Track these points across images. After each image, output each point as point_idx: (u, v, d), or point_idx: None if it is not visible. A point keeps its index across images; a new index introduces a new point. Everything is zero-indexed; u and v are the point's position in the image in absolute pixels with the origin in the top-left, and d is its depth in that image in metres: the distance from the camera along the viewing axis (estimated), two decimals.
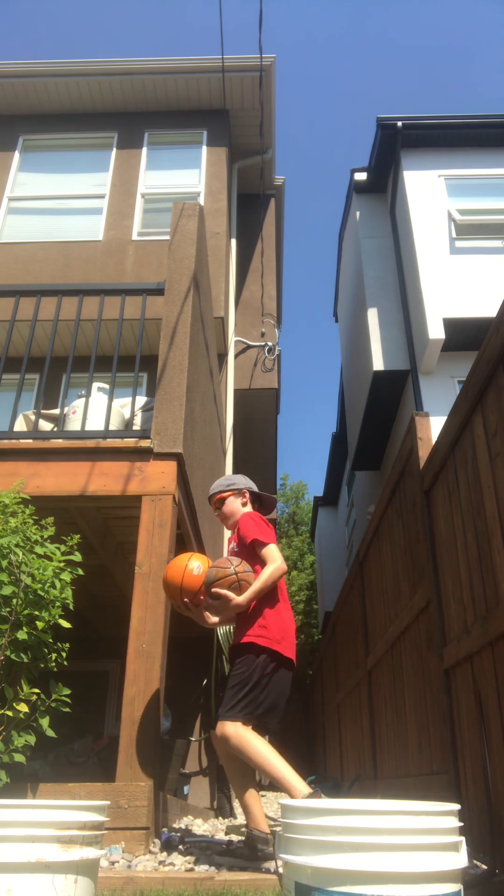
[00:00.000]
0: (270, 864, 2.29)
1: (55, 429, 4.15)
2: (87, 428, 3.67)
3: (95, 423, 3.83)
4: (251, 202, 8.15)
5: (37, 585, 2.46)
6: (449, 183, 8.12)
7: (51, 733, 2.44)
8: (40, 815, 1.29)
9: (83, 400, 3.96)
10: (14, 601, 2.35)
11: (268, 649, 2.55)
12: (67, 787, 2.57)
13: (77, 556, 2.68)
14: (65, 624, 2.55)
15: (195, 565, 2.62)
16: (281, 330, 9.43)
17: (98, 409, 3.96)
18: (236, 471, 8.05)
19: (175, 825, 3.23)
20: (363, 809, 1.22)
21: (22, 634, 2.38)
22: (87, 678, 4.93)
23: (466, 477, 2.91)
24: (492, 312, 5.87)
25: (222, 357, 6.84)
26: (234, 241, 7.53)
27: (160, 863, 2.28)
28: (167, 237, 5.22)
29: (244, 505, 2.99)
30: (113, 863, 2.24)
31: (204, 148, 7.40)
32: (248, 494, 3.04)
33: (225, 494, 2.99)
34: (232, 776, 2.54)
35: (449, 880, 1.19)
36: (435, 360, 7.22)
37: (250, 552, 2.73)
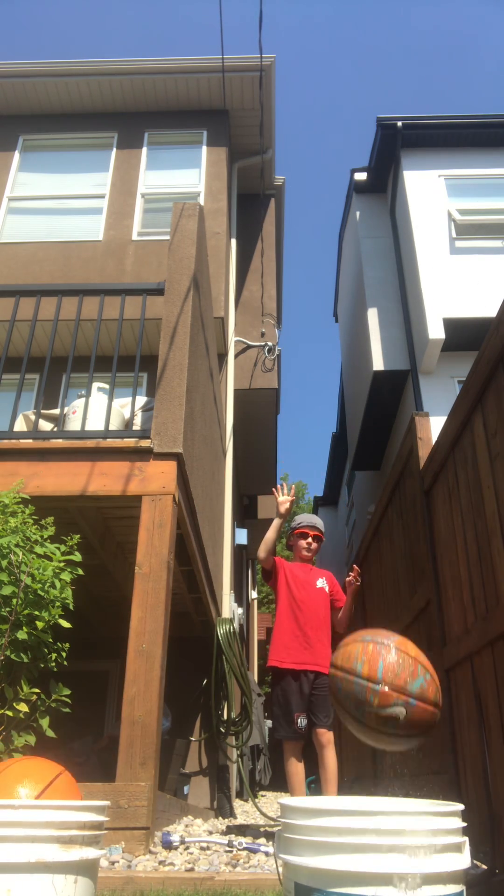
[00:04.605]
0: None
1: (55, 429, 4.15)
2: (87, 428, 3.67)
3: (95, 423, 3.82)
4: (251, 202, 8.14)
5: (37, 585, 2.45)
6: (449, 183, 8.11)
7: (51, 733, 2.44)
8: (40, 815, 1.29)
9: (83, 400, 3.95)
10: (14, 601, 2.35)
11: None
12: None
13: (77, 556, 2.68)
14: (65, 624, 2.54)
15: None
16: (281, 330, 9.43)
17: (98, 409, 3.96)
18: (236, 471, 8.05)
19: (175, 825, 3.23)
20: (363, 810, 1.21)
21: (22, 634, 2.38)
22: (87, 678, 4.91)
23: (466, 477, 2.91)
24: (492, 312, 5.86)
25: (222, 357, 6.84)
26: (234, 241, 7.52)
27: (160, 863, 2.28)
28: (167, 237, 5.21)
29: None
30: (113, 863, 2.24)
31: (204, 148, 7.39)
32: None
33: (323, 538, 3.69)
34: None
35: (452, 881, 1.19)
36: (435, 360, 7.22)
37: (331, 602, 3.53)
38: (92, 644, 5.32)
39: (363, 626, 5.38)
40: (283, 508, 3.51)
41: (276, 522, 3.52)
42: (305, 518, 3.71)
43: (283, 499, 3.52)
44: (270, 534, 3.48)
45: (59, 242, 6.76)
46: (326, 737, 3.19)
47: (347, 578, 3.51)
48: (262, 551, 3.51)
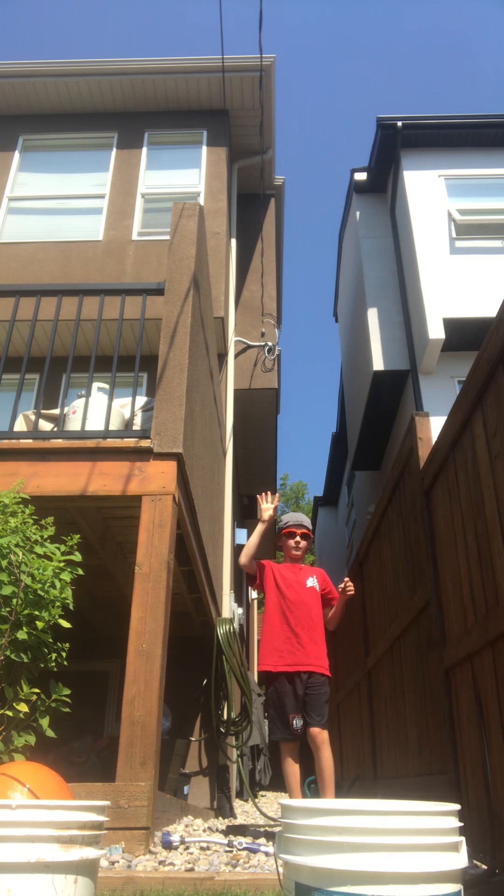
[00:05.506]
0: None
1: (55, 429, 4.15)
2: (87, 428, 3.67)
3: (95, 423, 3.82)
4: (251, 202, 8.15)
5: (37, 585, 2.45)
6: (449, 183, 8.11)
7: (51, 733, 2.44)
8: (40, 815, 1.29)
9: (83, 400, 3.96)
10: (14, 601, 2.35)
11: None
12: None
13: (77, 556, 2.68)
14: (65, 624, 2.54)
15: None
16: (281, 330, 9.43)
17: (98, 409, 3.96)
18: (236, 471, 8.05)
19: (175, 825, 3.23)
20: (363, 809, 1.22)
21: (22, 634, 2.38)
22: (87, 678, 4.92)
23: (466, 477, 2.91)
24: (492, 312, 5.87)
25: (222, 357, 6.84)
26: (234, 241, 7.53)
27: (160, 863, 2.28)
28: (167, 237, 5.22)
29: None
30: (113, 863, 2.24)
31: (204, 148, 7.39)
32: None
33: (311, 535, 3.70)
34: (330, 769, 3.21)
35: (449, 880, 1.19)
36: (435, 360, 7.22)
37: (323, 599, 3.53)
38: (92, 644, 5.32)
39: (363, 626, 5.38)
40: (266, 515, 3.54)
41: (259, 528, 3.52)
42: (292, 517, 3.71)
43: (267, 506, 3.56)
44: (253, 539, 3.50)
45: (59, 242, 6.76)
46: (321, 737, 3.17)
47: (339, 587, 3.53)
48: (243, 557, 3.50)
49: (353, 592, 3.51)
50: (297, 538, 3.63)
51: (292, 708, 3.24)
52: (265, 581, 3.54)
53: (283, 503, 25.27)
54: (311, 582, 3.54)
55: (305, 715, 3.24)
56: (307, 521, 3.72)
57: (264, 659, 3.36)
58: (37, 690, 2.42)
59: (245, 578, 9.76)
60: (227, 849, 2.62)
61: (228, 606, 5.92)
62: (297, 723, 3.23)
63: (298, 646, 3.32)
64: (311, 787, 5.67)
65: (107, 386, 4.31)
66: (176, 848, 2.54)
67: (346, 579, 3.54)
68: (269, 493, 3.66)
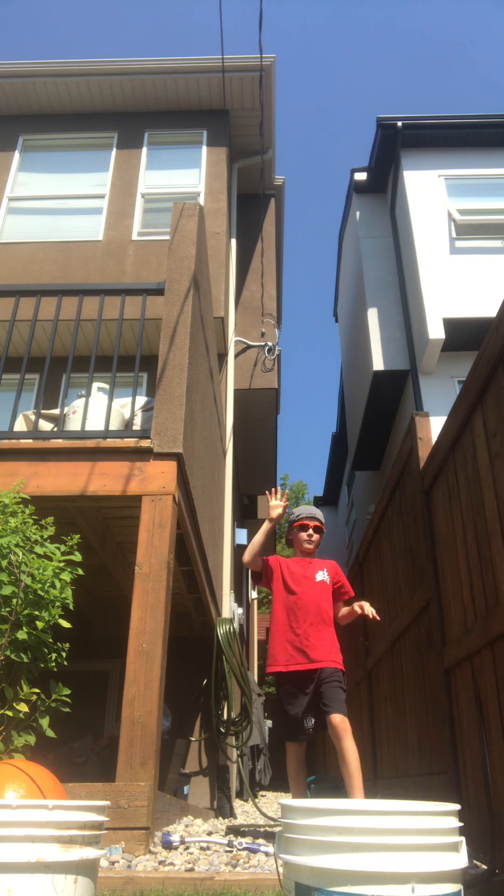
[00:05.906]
0: None
1: (55, 429, 4.15)
2: (87, 428, 3.67)
3: (95, 423, 3.83)
4: (251, 202, 8.15)
5: (37, 585, 2.45)
6: (449, 183, 8.12)
7: (51, 733, 2.44)
8: (40, 815, 1.29)
9: (83, 400, 3.96)
10: (14, 601, 2.35)
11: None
12: (67, 787, 2.57)
13: (77, 556, 2.68)
14: (65, 624, 2.54)
15: None
16: (281, 330, 9.43)
17: (98, 409, 3.96)
18: (236, 471, 8.05)
19: (175, 825, 3.23)
20: (363, 809, 1.22)
21: (22, 634, 2.38)
22: (87, 678, 4.91)
23: (466, 477, 2.91)
24: (492, 312, 5.88)
25: (222, 357, 6.84)
26: (234, 241, 7.53)
27: (160, 863, 2.28)
28: (167, 237, 5.22)
29: None
30: (113, 863, 2.24)
31: (204, 148, 7.39)
32: None
33: (324, 529, 3.58)
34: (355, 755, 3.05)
35: (449, 880, 1.19)
36: (435, 360, 7.22)
37: (335, 593, 3.44)
38: (92, 644, 5.32)
39: (363, 626, 5.38)
40: (274, 513, 3.40)
41: (265, 526, 3.41)
42: (304, 510, 3.58)
43: (276, 503, 3.41)
44: (258, 537, 3.38)
45: (59, 242, 6.76)
46: (343, 725, 2.98)
47: (357, 610, 3.34)
48: (247, 555, 3.39)
49: (373, 616, 3.29)
50: (310, 531, 3.49)
51: (303, 707, 3.15)
52: (273, 578, 3.43)
53: None
54: (322, 576, 3.40)
55: (322, 706, 3.09)
56: (320, 514, 3.59)
57: (273, 659, 3.25)
58: (37, 690, 2.42)
59: (245, 577, 9.76)
60: (227, 849, 2.62)
61: (228, 606, 5.91)
62: (309, 722, 3.14)
63: (307, 643, 3.21)
64: (312, 787, 5.67)
65: (107, 386, 4.31)
66: (176, 848, 2.54)
67: (365, 604, 3.33)
68: (277, 489, 3.51)
